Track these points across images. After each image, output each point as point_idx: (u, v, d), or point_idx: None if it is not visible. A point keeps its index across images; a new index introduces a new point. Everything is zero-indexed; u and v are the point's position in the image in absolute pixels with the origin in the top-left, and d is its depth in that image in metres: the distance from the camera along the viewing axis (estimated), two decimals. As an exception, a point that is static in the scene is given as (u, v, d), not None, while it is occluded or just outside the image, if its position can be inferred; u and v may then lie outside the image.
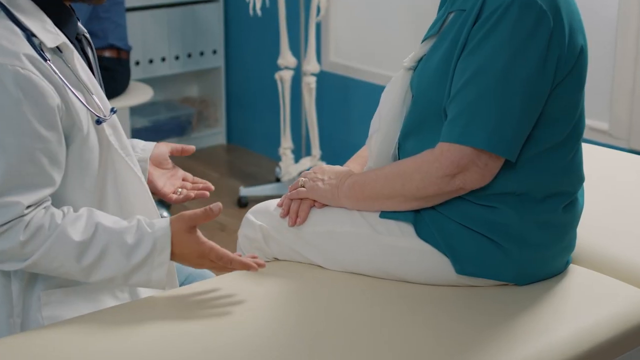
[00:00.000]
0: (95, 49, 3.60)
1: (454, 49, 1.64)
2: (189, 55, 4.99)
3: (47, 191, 1.59)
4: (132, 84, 4.04)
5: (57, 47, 1.64)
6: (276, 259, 1.84)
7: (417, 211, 1.70)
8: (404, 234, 1.70)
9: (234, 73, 5.15)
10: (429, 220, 1.69)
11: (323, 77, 4.41)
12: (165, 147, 1.91)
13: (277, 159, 4.66)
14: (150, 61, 4.83)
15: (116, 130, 1.72)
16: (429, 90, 1.69)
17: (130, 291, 1.74)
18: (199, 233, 1.63)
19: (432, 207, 1.69)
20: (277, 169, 4.41)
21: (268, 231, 1.81)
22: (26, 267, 1.59)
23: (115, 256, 1.59)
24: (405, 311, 1.61)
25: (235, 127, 5.20)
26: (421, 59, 1.76)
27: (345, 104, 4.43)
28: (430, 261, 1.69)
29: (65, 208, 1.63)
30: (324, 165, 1.83)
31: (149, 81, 4.68)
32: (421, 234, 1.69)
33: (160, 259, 1.60)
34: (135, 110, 4.78)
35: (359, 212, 1.75)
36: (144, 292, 1.75)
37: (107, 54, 3.76)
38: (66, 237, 1.58)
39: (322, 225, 1.76)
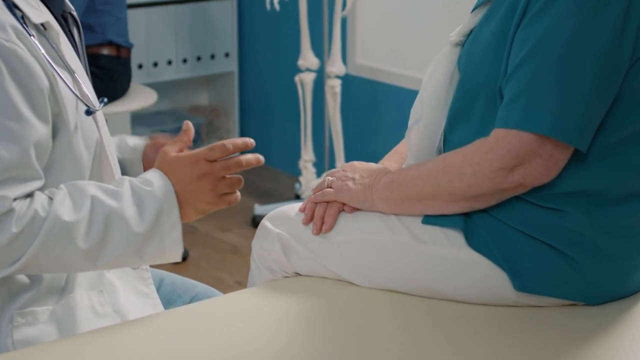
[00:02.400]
0: (92, 45, 3.73)
1: (510, 17, 1.58)
2: (199, 58, 5.00)
3: (36, 184, 1.54)
4: (133, 87, 4.02)
5: (42, 24, 1.59)
6: (297, 274, 1.77)
7: (467, 216, 1.63)
8: (451, 243, 1.63)
9: (248, 78, 5.16)
10: (481, 226, 1.62)
11: (349, 81, 4.41)
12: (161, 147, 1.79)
13: (297, 173, 4.63)
14: (155, 64, 4.84)
15: (104, 127, 1.69)
16: (480, 68, 1.63)
17: (113, 307, 1.68)
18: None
19: (486, 211, 1.62)
20: (297, 185, 4.43)
21: (288, 240, 1.74)
22: (17, 269, 1.50)
23: (121, 229, 1.54)
24: (453, 337, 1.54)
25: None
26: (470, 32, 1.71)
27: (374, 111, 4.41)
28: (483, 276, 1.61)
29: (47, 191, 1.55)
30: (354, 162, 1.78)
31: (153, 87, 4.68)
32: (472, 243, 1.62)
33: (171, 220, 1.56)
34: (137, 119, 4.78)
35: (396, 217, 1.68)
36: (131, 311, 1.69)
37: (105, 51, 3.75)
38: (61, 220, 1.51)
39: (353, 233, 1.69)
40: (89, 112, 1.61)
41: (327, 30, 4.21)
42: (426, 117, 1.71)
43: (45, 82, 1.53)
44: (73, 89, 1.59)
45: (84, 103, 1.61)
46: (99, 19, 3.71)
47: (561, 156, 1.54)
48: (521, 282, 1.59)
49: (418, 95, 1.76)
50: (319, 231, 1.71)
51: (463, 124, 1.67)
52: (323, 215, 1.71)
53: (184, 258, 3.89)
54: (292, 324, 1.58)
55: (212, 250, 4.01)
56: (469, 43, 1.68)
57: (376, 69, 4.35)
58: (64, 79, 1.58)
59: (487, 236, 1.61)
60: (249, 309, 1.64)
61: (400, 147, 1.89)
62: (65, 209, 1.52)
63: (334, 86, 4.10)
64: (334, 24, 4.05)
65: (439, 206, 1.62)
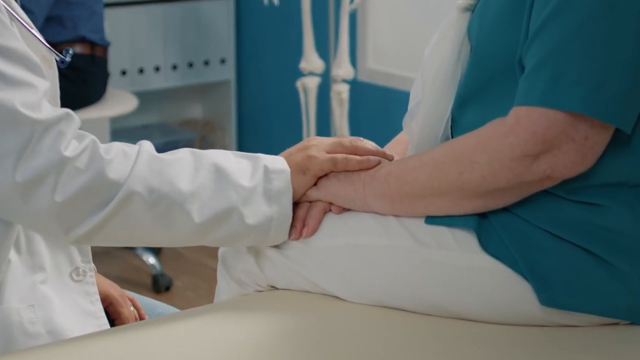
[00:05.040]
0: (63, 42, 3.67)
1: (532, -32, 1.52)
2: (190, 65, 4.97)
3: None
4: (111, 92, 4.02)
5: None
6: (273, 287, 1.68)
7: (481, 213, 1.55)
8: (461, 247, 1.54)
9: (247, 88, 5.13)
10: (498, 225, 1.53)
11: (358, 88, 4.37)
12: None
13: (300, 192, 4.54)
14: (141, 71, 4.81)
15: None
16: (495, 34, 1.56)
17: (46, 327, 1.61)
18: None
19: (504, 207, 1.54)
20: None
21: (261, 248, 1.65)
22: (110, 213, 1.44)
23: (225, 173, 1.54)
24: None
25: (248, 155, 5.15)
26: (483, -8, 1.64)
27: (387, 121, 4.37)
28: (500, 287, 1.53)
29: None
30: (343, 153, 1.72)
31: (138, 96, 4.65)
32: (488, 246, 1.53)
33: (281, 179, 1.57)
34: (119, 133, 4.78)
35: (395, 218, 1.59)
36: (70, 332, 1.62)
37: (77, 49, 3.74)
38: (153, 154, 1.49)
39: (341, 236, 1.61)
40: (63, 62, 1.60)
41: (333, 27, 4.15)
42: (430, 98, 1.65)
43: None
44: (41, 38, 1.56)
45: (56, 53, 1.59)
46: (71, 12, 3.70)
47: (598, 139, 1.45)
48: (548, 295, 1.50)
49: (418, 74, 1.70)
50: (299, 235, 1.61)
51: (476, 103, 1.59)
52: (304, 216, 1.63)
53: (167, 287, 3.88)
54: (260, 350, 1.48)
55: (200, 279, 3.99)
56: (480, 6, 1.60)
57: (390, 74, 4.31)
58: (29, 28, 1.54)
59: (505, 238, 1.52)
60: (206, 328, 1.54)
61: (402, 137, 1.81)
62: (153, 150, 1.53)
63: (340, 92, 4.01)
64: (341, 20, 3.98)
65: (447, 204, 1.55)
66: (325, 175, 1.63)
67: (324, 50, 4.23)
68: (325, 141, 1.63)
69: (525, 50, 1.47)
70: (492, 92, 1.55)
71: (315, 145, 1.62)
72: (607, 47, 1.42)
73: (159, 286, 3.85)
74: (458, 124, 1.61)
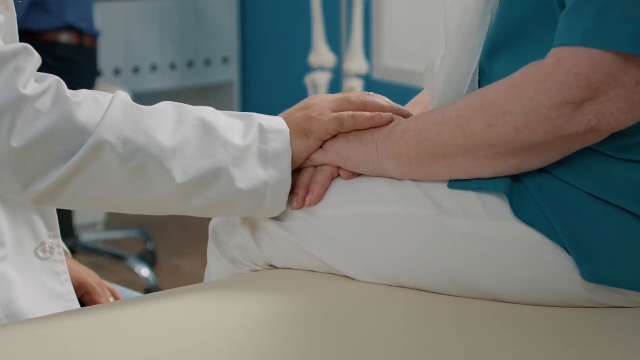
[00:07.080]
0: (48, 30, 3.66)
1: None
2: (190, 64, 5.03)
3: None
4: (101, 87, 4.08)
5: None
6: (271, 266, 1.63)
7: (514, 175, 1.49)
8: (491, 215, 1.49)
9: (252, 90, 5.17)
10: (534, 188, 1.47)
11: (373, 85, 4.41)
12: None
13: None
14: (136, 70, 4.87)
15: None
16: None
17: (5, 310, 1.56)
18: None
19: (541, 168, 1.48)
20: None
21: (258, 221, 1.60)
22: (87, 153, 1.37)
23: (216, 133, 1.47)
24: (494, 352, 1.40)
25: (253, 162, 5.26)
26: None
27: None
28: (537, 261, 1.47)
29: None
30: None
31: (132, 98, 4.56)
32: (521, 212, 1.47)
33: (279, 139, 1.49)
34: None
35: (413, 183, 1.54)
36: (32, 314, 1.57)
37: (63, 38, 3.76)
38: (130, 103, 1.43)
39: (351, 205, 1.56)
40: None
41: (346, 18, 4.18)
42: (454, 49, 1.58)
43: None
44: None
45: None
46: (56, -3, 3.76)
47: None
48: (592, 269, 1.43)
49: (440, 24, 1.64)
50: (301, 204, 1.57)
51: (509, 51, 1.52)
52: (308, 183, 1.58)
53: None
54: (254, 337, 1.41)
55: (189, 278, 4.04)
56: None
57: (408, 70, 4.34)
58: None
59: (542, 203, 1.46)
60: (193, 309, 1.48)
61: (423, 97, 1.76)
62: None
63: (353, 88, 4.03)
64: (353, 10, 4.01)
65: (474, 165, 1.48)
66: (333, 136, 1.59)
67: (336, 43, 4.28)
68: (330, 98, 1.57)
69: (566, -17, 1.41)
70: (528, 37, 1.49)
71: (318, 104, 1.56)
72: None
73: (153, 300, 3.85)
74: (487, 76, 1.54)
